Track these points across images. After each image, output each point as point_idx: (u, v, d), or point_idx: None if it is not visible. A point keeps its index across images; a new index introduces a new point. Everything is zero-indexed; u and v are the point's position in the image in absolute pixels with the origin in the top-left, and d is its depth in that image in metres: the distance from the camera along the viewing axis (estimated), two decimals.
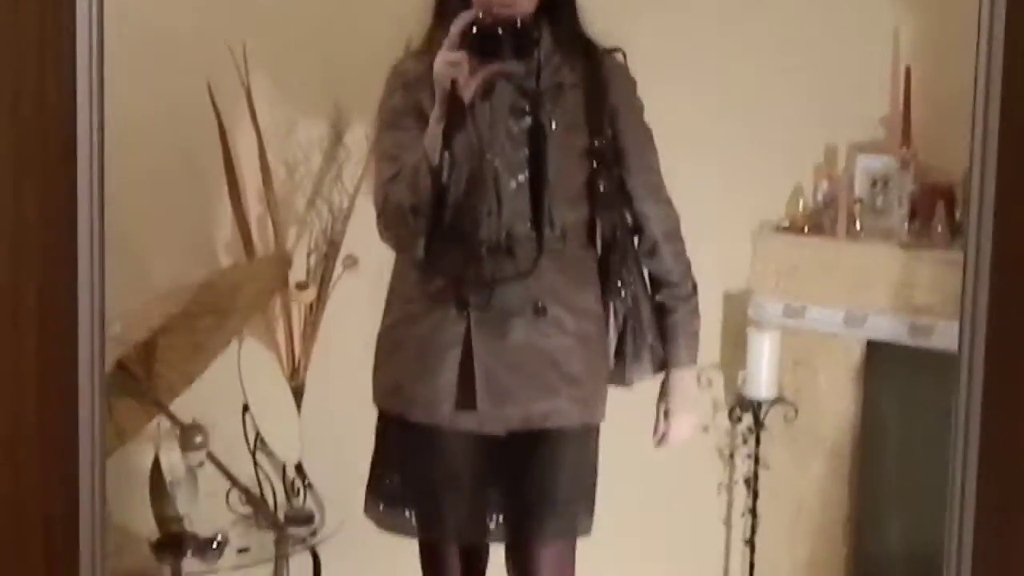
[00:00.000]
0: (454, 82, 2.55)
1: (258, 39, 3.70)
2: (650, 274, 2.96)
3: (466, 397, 2.76)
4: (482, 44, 2.53)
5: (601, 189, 2.80)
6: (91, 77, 1.50)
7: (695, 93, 3.41)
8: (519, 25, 2.55)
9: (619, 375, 2.97)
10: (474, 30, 2.53)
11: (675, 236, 2.94)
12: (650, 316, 2.94)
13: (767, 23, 3.64)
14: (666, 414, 2.99)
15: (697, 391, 3.13)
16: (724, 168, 3.60)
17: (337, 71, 3.82)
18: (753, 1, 3.67)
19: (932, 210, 3.52)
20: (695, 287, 2.98)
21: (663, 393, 3.01)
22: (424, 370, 2.79)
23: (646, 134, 2.89)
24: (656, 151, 2.90)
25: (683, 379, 3.00)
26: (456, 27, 2.55)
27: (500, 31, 2.53)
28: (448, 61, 2.55)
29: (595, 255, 2.87)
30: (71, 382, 1.54)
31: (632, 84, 2.87)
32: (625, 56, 2.86)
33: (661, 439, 3.02)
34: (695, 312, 2.98)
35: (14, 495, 1.53)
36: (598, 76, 2.80)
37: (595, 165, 2.79)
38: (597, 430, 2.92)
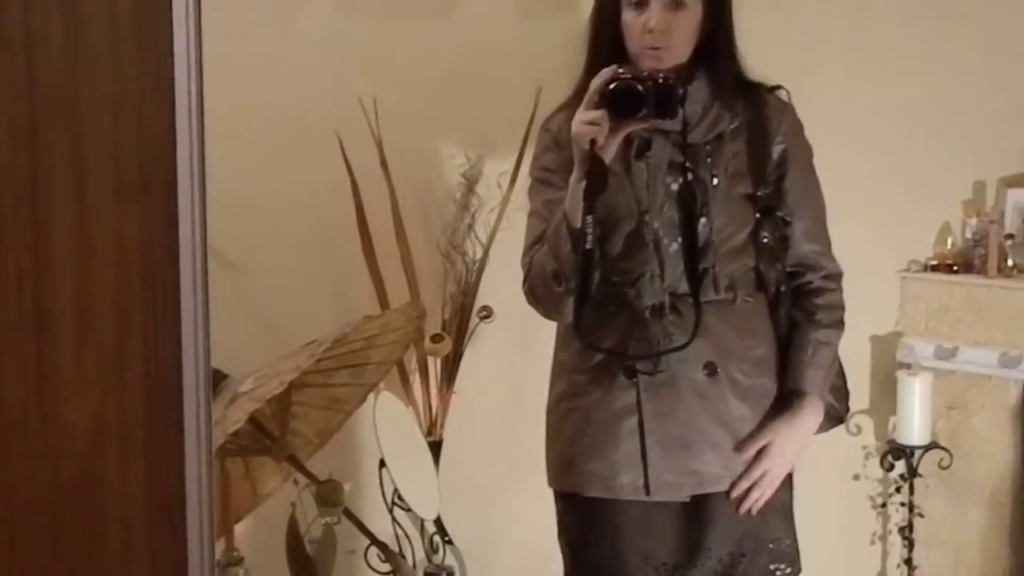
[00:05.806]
0: (593, 142, 2.43)
1: (388, 92, 3.70)
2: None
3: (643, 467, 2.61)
4: (622, 102, 2.40)
5: (765, 240, 2.64)
6: (191, 141, 1.46)
7: (839, 130, 3.32)
8: (661, 81, 2.42)
9: None
10: (612, 87, 2.41)
11: (835, 284, 2.74)
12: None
13: (914, 61, 3.58)
14: (760, 454, 2.64)
15: (810, 435, 2.70)
16: (870, 206, 3.53)
17: (467, 121, 3.82)
18: (899, 39, 3.59)
19: None
20: (842, 323, 2.75)
21: (766, 425, 2.66)
22: (597, 443, 2.64)
23: (813, 180, 2.71)
24: (823, 199, 2.72)
25: (807, 410, 2.67)
26: (594, 84, 2.43)
27: (641, 88, 2.40)
28: (586, 120, 2.43)
29: (765, 300, 2.69)
30: (178, 443, 1.50)
31: (798, 126, 2.70)
32: (789, 94, 2.69)
33: (747, 495, 2.64)
34: (835, 346, 2.73)
35: (124, 565, 1.49)
36: (762, 118, 2.64)
37: (758, 215, 2.64)
38: (787, 479, 2.70)
